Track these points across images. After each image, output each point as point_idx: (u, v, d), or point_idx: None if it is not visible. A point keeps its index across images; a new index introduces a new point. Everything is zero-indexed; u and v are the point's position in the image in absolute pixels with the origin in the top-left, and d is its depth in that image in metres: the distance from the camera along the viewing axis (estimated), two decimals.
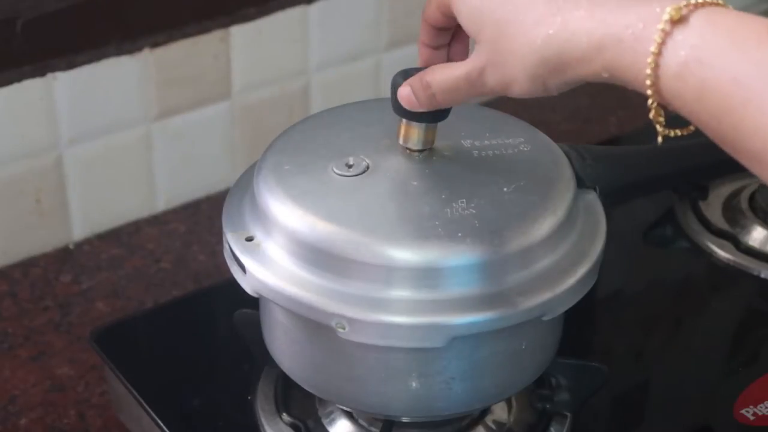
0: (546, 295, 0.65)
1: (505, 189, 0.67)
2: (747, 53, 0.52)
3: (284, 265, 0.66)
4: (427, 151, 0.70)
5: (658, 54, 0.54)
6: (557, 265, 0.67)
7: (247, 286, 0.67)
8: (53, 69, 0.95)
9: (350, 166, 0.68)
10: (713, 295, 0.95)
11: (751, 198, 0.98)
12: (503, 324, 0.64)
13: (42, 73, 0.95)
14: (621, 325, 0.88)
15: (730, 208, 0.98)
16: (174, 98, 1.02)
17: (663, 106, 0.57)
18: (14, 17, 0.92)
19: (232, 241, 0.68)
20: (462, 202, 0.66)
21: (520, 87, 0.61)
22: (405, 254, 0.64)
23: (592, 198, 0.73)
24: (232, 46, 1.04)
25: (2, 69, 0.93)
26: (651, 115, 0.57)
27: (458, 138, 0.71)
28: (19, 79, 0.94)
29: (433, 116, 0.68)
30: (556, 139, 0.74)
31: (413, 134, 0.69)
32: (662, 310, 0.90)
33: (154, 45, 0.99)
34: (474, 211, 0.65)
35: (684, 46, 0.54)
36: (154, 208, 1.06)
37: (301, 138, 0.72)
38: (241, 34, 1.03)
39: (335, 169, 0.68)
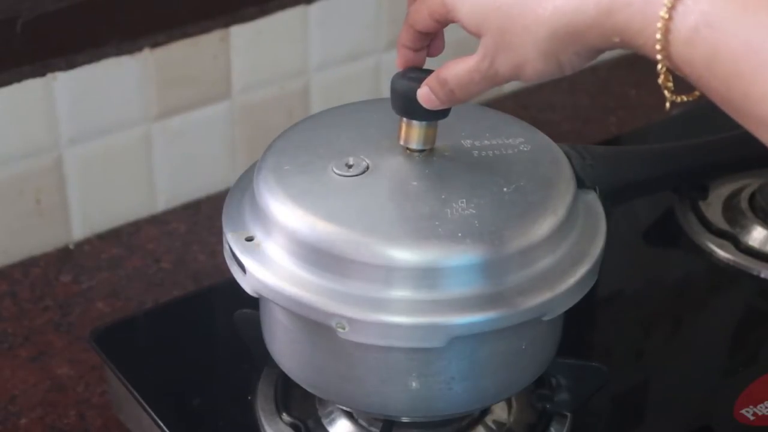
0: (546, 295, 0.65)
1: (505, 189, 0.67)
2: (758, 19, 0.52)
3: (284, 265, 0.66)
4: (427, 151, 0.70)
5: (669, 19, 0.54)
6: (557, 265, 0.67)
7: (247, 286, 0.67)
8: (53, 69, 0.95)
9: (350, 166, 0.68)
10: (713, 295, 0.94)
11: (751, 198, 0.98)
12: (503, 324, 0.64)
13: (42, 73, 0.95)
14: (621, 325, 0.88)
15: (730, 208, 0.98)
16: (174, 98, 1.02)
17: (672, 71, 0.57)
18: (14, 17, 0.92)
19: (232, 241, 0.68)
20: (462, 202, 0.66)
21: (533, 67, 0.61)
22: (405, 254, 0.64)
23: (592, 198, 0.73)
24: (232, 46, 1.04)
25: (2, 69, 0.93)
26: (660, 80, 0.57)
27: (458, 138, 0.71)
28: (19, 79, 0.94)
29: (433, 114, 0.68)
30: (556, 139, 0.74)
31: (413, 134, 0.69)
32: (662, 310, 0.90)
33: (154, 45, 0.99)
34: (474, 211, 0.65)
35: (694, 11, 0.54)
36: (154, 208, 1.06)
37: (301, 138, 0.72)
38: (241, 34, 1.03)
39: (335, 169, 0.68)
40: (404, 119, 0.69)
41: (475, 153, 0.70)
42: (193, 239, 1.03)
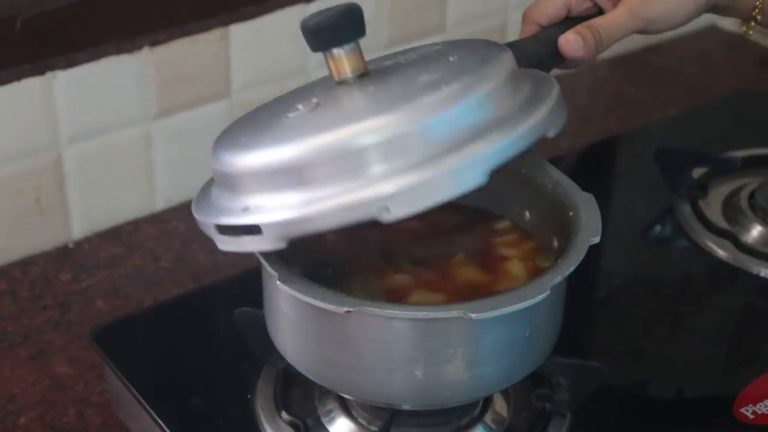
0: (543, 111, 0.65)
1: (451, 59, 0.67)
2: None
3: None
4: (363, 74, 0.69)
5: None
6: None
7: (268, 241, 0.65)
8: (53, 67, 0.95)
9: (300, 108, 0.67)
10: (713, 293, 0.95)
11: (751, 197, 0.98)
12: (522, 145, 0.63)
13: (41, 72, 0.95)
14: (621, 324, 0.88)
15: (729, 206, 0.98)
16: (173, 97, 1.02)
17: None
18: (14, 15, 0.92)
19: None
20: (425, 74, 0.65)
21: (686, 12, 0.78)
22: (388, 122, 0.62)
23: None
24: (231, 44, 1.04)
25: (2, 67, 0.93)
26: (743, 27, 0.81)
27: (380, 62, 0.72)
28: (18, 78, 0.94)
29: (350, 35, 0.67)
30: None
31: (342, 63, 0.67)
32: (662, 309, 0.90)
33: (154, 43, 0.99)
34: (441, 75, 0.64)
35: None
36: (154, 206, 1.06)
37: (249, 116, 0.73)
38: (240, 32, 1.03)
39: (287, 114, 0.67)
40: (328, 54, 0.67)
41: (402, 60, 0.71)
42: (192, 238, 1.03)
